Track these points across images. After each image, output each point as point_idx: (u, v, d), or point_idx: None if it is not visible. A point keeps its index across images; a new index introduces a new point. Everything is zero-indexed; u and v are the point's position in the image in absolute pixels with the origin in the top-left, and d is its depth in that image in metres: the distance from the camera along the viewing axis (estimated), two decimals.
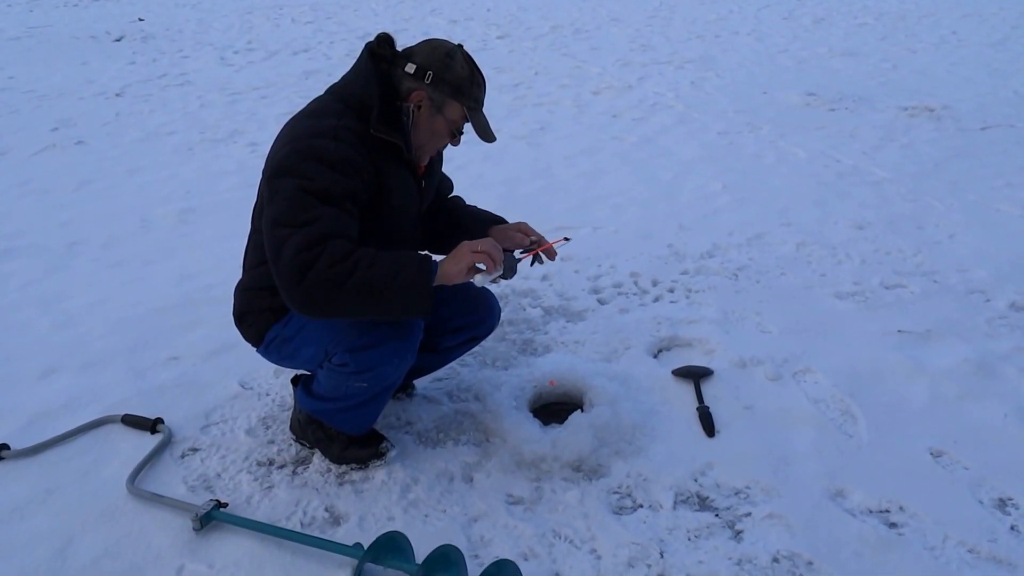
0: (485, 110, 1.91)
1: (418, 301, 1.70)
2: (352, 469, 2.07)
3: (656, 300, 3.00)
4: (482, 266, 1.76)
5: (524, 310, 2.92)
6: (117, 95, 6.49)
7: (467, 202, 2.28)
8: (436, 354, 2.22)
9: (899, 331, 2.70)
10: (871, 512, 1.92)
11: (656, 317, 2.83)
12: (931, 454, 2.11)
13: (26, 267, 3.41)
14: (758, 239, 3.51)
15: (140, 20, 9.87)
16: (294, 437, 2.18)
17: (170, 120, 5.73)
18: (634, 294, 3.05)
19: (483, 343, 2.67)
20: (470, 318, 2.20)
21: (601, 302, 2.99)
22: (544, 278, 3.15)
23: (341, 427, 2.06)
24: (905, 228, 3.61)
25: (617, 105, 5.88)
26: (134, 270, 3.36)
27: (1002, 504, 1.94)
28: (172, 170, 4.65)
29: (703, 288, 3.07)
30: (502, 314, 2.85)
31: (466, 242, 1.77)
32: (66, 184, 4.45)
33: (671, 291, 3.06)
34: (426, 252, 1.84)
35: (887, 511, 1.92)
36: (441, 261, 1.75)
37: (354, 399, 1.98)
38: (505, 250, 1.83)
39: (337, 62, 7.34)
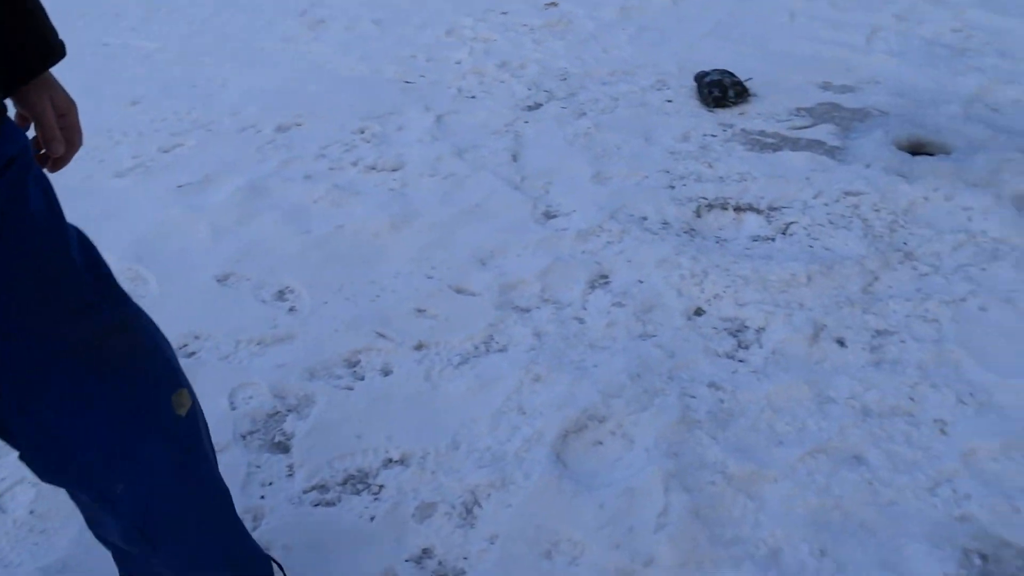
0: None
1: None
2: None
3: None
4: None
5: None
6: None
7: None
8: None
9: (179, 186, 2.79)
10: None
11: None
12: (217, 280, 2.30)
13: None
14: None
15: None
16: None
17: None
18: None
19: None
20: None
21: None
22: None
23: None
24: (179, 91, 3.66)
25: None
26: None
27: (280, 295, 2.23)
28: None
29: None
30: None
31: None
32: None
33: None
34: None
35: (186, 346, 2.04)
36: None
37: None
38: None
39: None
